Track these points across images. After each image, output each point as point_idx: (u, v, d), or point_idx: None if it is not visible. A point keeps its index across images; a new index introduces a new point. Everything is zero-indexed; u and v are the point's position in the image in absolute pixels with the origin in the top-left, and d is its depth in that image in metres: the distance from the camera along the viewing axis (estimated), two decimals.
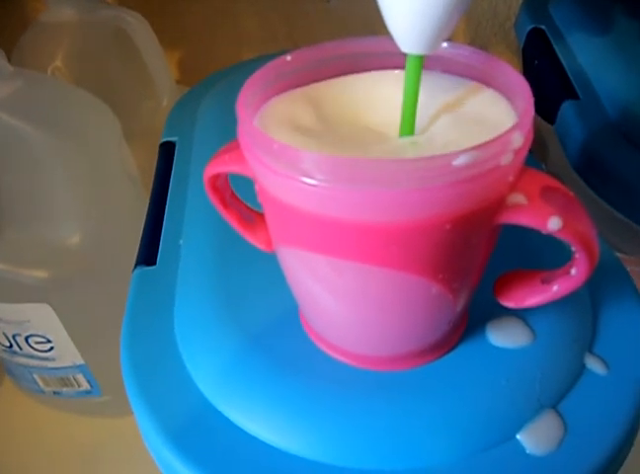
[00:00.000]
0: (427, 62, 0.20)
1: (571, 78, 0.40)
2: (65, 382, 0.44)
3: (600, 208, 0.36)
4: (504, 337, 0.22)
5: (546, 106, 0.41)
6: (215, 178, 0.21)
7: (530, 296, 0.20)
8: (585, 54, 0.41)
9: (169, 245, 0.30)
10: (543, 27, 0.47)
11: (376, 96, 0.20)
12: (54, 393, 0.45)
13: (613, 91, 0.37)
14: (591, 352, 0.23)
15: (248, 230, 0.23)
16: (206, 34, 0.63)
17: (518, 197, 0.16)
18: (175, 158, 0.37)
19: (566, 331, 0.23)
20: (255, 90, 0.18)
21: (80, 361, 0.42)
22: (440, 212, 0.15)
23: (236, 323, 0.24)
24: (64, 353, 0.41)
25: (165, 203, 0.33)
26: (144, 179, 0.44)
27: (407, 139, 0.18)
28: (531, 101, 0.15)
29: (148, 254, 0.29)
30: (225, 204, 0.23)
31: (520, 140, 0.15)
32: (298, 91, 0.20)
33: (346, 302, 0.19)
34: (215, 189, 0.22)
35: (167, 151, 0.38)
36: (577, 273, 0.18)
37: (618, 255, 0.39)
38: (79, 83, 0.45)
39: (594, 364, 0.23)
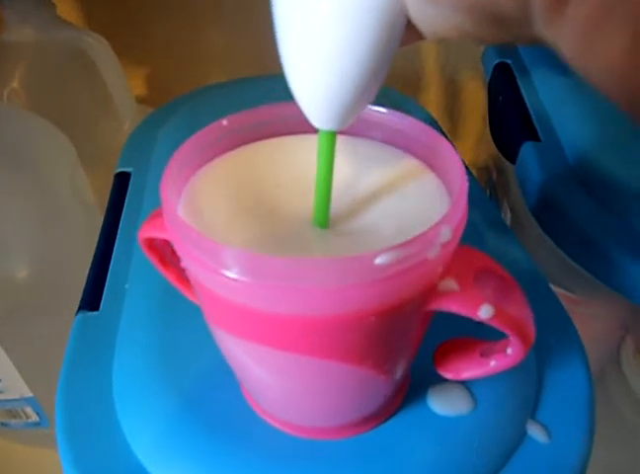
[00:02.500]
0: (364, 128, 0.19)
1: (533, 118, 0.40)
2: (13, 414, 0.42)
3: (555, 252, 0.36)
4: (444, 404, 0.22)
5: (509, 144, 0.41)
6: (151, 239, 0.20)
7: (468, 369, 0.20)
8: (548, 94, 0.41)
9: (114, 289, 0.29)
10: (509, 61, 0.47)
11: (300, 160, 0.20)
12: (2, 424, 0.43)
13: (574, 136, 0.37)
14: (533, 418, 0.23)
15: (188, 289, 0.22)
16: (173, 52, 0.62)
17: (449, 283, 0.16)
18: (128, 191, 0.36)
19: (509, 397, 0.23)
20: (183, 161, 0.18)
21: (28, 394, 0.40)
22: (363, 307, 0.14)
23: (175, 385, 0.23)
24: (12, 386, 0.40)
25: (114, 241, 0.32)
26: (104, 205, 0.43)
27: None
28: (465, 191, 0.15)
29: (92, 298, 0.28)
30: (164, 263, 0.22)
31: (448, 234, 0.14)
32: (231, 155, 0.20)
33: (275, 382, 0.18)
34: (153, 249, 0.21)
35: (121, 183, 0.37)
36: (512, 353, 0.18)
37: (570, 295, 0.39)
38: (36, 105, 0.44)
39: (535, 432, 0.22)
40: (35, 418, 0.42)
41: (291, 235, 0.16)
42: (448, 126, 0.73)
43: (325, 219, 0.17)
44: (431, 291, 0.16)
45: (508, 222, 0.44)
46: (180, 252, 0.16)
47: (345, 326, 0.15)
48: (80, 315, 0.28)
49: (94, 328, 0.27)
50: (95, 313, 0.28)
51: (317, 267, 0.13)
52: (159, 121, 0.42)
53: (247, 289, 0.14)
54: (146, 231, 0.19)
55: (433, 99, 0.71)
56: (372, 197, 0.18)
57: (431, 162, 0.18)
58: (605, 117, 0.38)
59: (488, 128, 0.48)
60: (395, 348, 0.17)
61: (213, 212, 0.17)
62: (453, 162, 0.16)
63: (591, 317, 0.40)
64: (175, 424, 0.22)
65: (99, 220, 0.38)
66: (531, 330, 0.17)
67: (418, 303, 0.15)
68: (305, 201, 0.18)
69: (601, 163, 0.35)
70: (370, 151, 0.19)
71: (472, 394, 0.22)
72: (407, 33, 0.15)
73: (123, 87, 0.48)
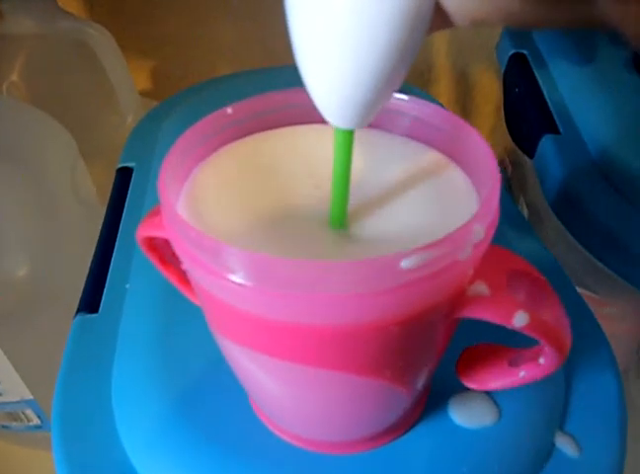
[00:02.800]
0: (381, 120, 0.18)
1: (552, 110, 0.38)
2: (14, 417, 0.41)
3: (576, 249, 0.35)
4: (467, 415, 0.20)
5: (526, 137, 0.39)
6: (151, 238, 0.19)
7: (496, 379, 0.18)
8: (566, 85, 0.40)
9: (115, 289, 0.28)
10: (525, 52, 0.45)
11: (314, 152, 0.18)
12: (3, 427, 0.42)
13: (595, 128, 0.35)
14: (562, 429, 0.21)
15: (191, 291, 0.21)
16: (180, 44, 0.60)
17: (479, 288, 0.14)
18: (130, 187, 0.34)
19: (535, 407, 0.21)
20: (184, 153, 0.16)
21: (29, 397, 0.39)
22: (384, 316, 0.13)
23: (176, 393, 0.22)
24: (12, 388, 0.38)
25: (115, 239, 0.31)
26: (106, 201, 0.42)
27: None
28: (497, 186, 0.13)
29: (91, 300, 0.27)
30: (164, 263, 0.20)
31: (481, 233, 0.13)
32: (237, 145, 0.18)
33: (283, 393, 0.17)
34: (152, 248, 0.20)
35: (123, 178, 0.35)
36: (545, 363, 0.16)
37: (591, 295, 0.37)
38: (36, 99, 0.43)
39: (565, 444, 0.21)
40: (36, 421, 0.41)
41: (304, 237, 0.15)
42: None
43: (342, 220, 0.16)
44: (459, 297, 0.14)
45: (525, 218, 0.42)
46: (179, 252, 0.14)
47: (362, 337, 0.13)
48: (79, 317, 0.26)
49: (93, 331, 0.26)
50: (94, 315, 0.26)
51: (333, 271, 0.12)
52: (163, 115, 0.40)
53: (252, 295, 0.13)
54: (145, 230, 0.18)
55: (444, 91, 0.69)
56: (393, 196, 0.16)
57: (455, 154, 0.17)
58: (627, 107, 0.36)
59: (502, 121, 0.47)
60: (417, 358, 0.16)
61: (216, 209, 0.16)
62: (483, 154, 0.15)
63: (612, 317, 0.39)
64: (175, 433, 0.20)
65: (100, 217, 0.37)
66: (568, 338, 0.15)
67: (445, 310, 0.14)
68: (319, 199, 0.16)
69: (625, 156, 0.33)
70: (390, 144, 0.17)
71: (496, 404, 0.21)
72: (434, 19, 0.13)
73: (126, 80, 0.46)
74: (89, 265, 0.30)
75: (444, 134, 0.17)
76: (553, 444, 0.21)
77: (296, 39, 0.13)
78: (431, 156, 0.17)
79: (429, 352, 0.16)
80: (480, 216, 0.13)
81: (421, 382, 0.17)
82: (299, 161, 0.18)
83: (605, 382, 0.23)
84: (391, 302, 0.12)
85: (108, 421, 0.23)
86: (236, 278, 0.12)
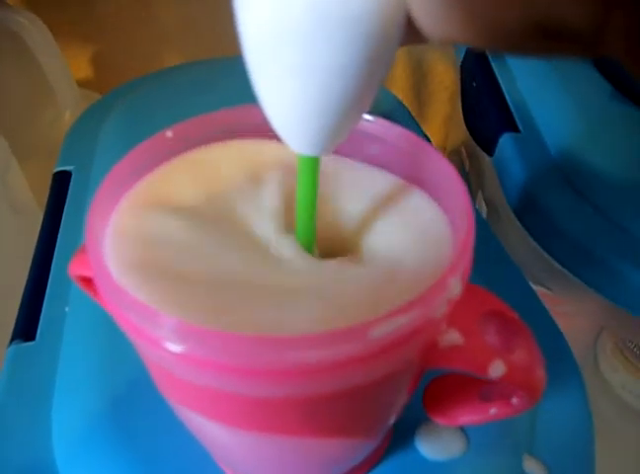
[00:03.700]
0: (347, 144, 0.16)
1: (511, 107, 0.37)
2: None
3: (534, 249, 0.34)
4: (434, 448, 0.19)
5: (484, 134, 0.39)
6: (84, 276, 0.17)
7: (465, 415, 0.17)
8: (525, 80, 0.39)
9: (53, 313, 0.25)
10: None
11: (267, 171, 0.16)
12: None
13: (555, 127, 0.35)
14: (530, 453, 0.21)
15: None
16: (121, 29, 0.56)
17: (452, 336, 0.13)
18: (69, 193, 0.32)
19: (503, 433, 0.20)
20: (114, 188, 0.14)
21: None
22: (346, 384, 0.11)
23: (122, 428, 0.20)
24: None
25: (53, 255, 0.28)
26: (43, 203, 0.39)
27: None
28: (472, 231, 0.12)
29: (26, 326, 0.25)
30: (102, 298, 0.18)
31: (457, 287, 0.11)
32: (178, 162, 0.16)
33: (235, 453, 0.15)
34: (88, 284, 0.17)
35: (61, 183, 0.33)
36: (518, 404, 0.15)
37: (547, 292, 0.37)
38: None
39: (533, 470, 0.20)
40: None
41: (263, 271, 0.13)
42: (415, 108, 0.70)
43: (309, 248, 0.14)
44: (430, 350, 0.13)
45: (483, 215, 0.42)
46: (108, 308, 0.12)
47: (319, 405, 0.12)
48: (13, 346, 0.24)
49: (30, 361, 0.24)
50: (30, 344, 0.24)
51: (285, 345, 0.10)
52: (104, 112, 0.37)
53: (183, 364, 0.11)
54: (75, 268, 0.16)
55: (399, 78, 0.68)
56: (359, 225, 0.15)
57: (418, 178, 0.15)
58: (588, 106, 0.35)
59: (458, 110, 0.46)
60: (382, 413, 0.14)
61: (153, 242, 0.14)
62: (457, 191, 0.13)
63: (567, 315, 0.39)
64: None
65: (37, 226, 0.34)
66: (542, 383, 0.14)
67: (414, 366, 0.13)
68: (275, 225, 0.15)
69: (586, 157, 0.33)
70: (352, 172, 0.16)
71: (464, 433, 0.20)
72: (404, 35, 0.11)
73: (63, 71, 0.43)
74: (24, 283, 0.27)
75: (409, 158, 0.15)
76: (522, 471, 0.20)
77: (251, 59, 0.12)
78: (393, 182, 0.16)
79: (395, 404, 0.14)
80: (455, 268, 0.11)
81: (386, 428, 0.16)
82: (251, 180, 0.16)
83: (571, 399, 0.22)
84: (355, 371, 0.11)
85: (48, 461, 0.21)
86: (168, 346, 0.11)
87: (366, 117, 0.15)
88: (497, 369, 0.13)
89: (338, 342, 0.10)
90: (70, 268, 0.16)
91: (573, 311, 0.40)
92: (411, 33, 0.11)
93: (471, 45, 0.11)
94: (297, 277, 0.13)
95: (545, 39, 0.09)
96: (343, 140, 0.13)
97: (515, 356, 0.14)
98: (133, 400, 0.21)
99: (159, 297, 0.12)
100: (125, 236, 0.14)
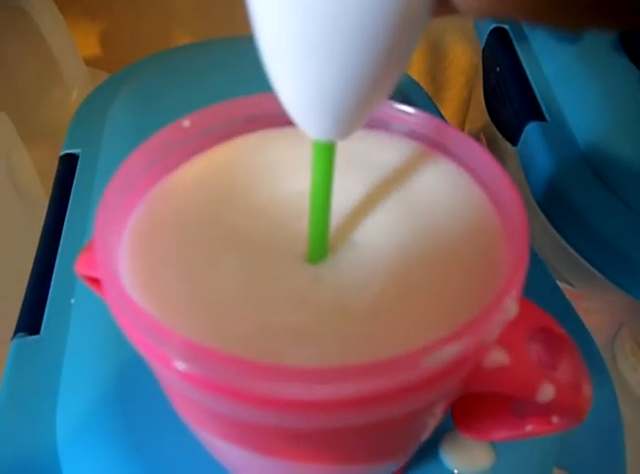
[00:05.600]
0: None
1: (537, 95, 0.36)
2: None
3: (556, 241, 0.33)
4: (461, 460, 0.18)
5: (508, 123, 0.37)
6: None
7: (498, 430, 0.16)
8: (551, 66, 0.37)
9: (58, 305, 0.24)
10: (506, 26, 0.42)
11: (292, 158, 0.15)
12: None
13: (583, 116, 0.33)
14: (559, 465, 0.20)
15: None
16: (133, 5, 0.55)
17: (497, 356, 0.12)
18: (76, 177, 0.31)
19: (532, 444, 0.19)
20: (125, 184, 0.13)
21: None
22: (381, 416, 0.10)
23: (129, 426, 0.19)
24: None
25: (59, 243, 0.27)
26: (49, 187, 0.38)
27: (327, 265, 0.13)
28: (526, 239, 0.11)
29: (30, 319, 0.24)
30: None
31: (514, 307, 0.10)
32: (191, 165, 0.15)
33: (254, 468, 0.14)
34: (95, 283, 0.16)
35: (68, 167, 0.31)
36: (559, 423, 0.14)
37: (569, 288, 0.36)
38: None
39: None
40: None
41: (278, 283, 0.12)
42: (431, 91, 0.68)
43: (322, 253, 0.13)
44: (476, 372, 0.11)
45: None
46: (116, 320, 0.11)
47: (347, 436, 0.11)
48: (17, 340, 0.23)
49: (35, 355, 0.23)
50: (35, 337, 0.23)
51: (316, 377, 0.09)
52: (111, 92, 0.36)
53: (198, 388, 0.10)
54: (82, 268, 0.15)
55: (415, 61, 0.66)
56: (383, 219, 0.14)
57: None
58: (617, 92, 0.34)
59: (477, 96, 0.44)
60: (414, 438, 0.13)
61: (163, 253, 0.13)
62: (511, 197, 0.12)
63: (589, 310, 0.37)
64: None
65: (44, 209, 0.33)
66: (589, 404, 0.13)
67: (456, 391, 0.12)
68: (291, 230, 0.14)
69: (615, 148, 0.31)
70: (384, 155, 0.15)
71: (492, 445, 0.19)
72: (438, 7, 0.10)
73: (71, 49, 0.41)
74: (29, 270, 0.26)
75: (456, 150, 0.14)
76: None
77: (264, 38, 0.10)
78: (424, 153, 0.14)
79: (427, 428, 0.13)
80: (511, 285, 0.10)
81: (415, 449, 0.15)
82: (265, 180, 0.15)
83: (603, 408, 0.21)
84: (395, 402, 0.10)
85: (52, 462, 0.20)
86: (178, 366, 0.09)
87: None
88: (546, 393, 0.12)
89: (384, 373, 0.09)
90: (76, 267, 0.15)
91: (593, 308, 0.38)
92: (446, 6, 0.10)
93: (511, 17, 0.10)
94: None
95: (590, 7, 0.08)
96: (361, 125, 0.11)
97: (561, 376, 0.12)
98: (139, 396, 0.20)
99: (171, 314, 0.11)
100: (142, 239, 0.13)
